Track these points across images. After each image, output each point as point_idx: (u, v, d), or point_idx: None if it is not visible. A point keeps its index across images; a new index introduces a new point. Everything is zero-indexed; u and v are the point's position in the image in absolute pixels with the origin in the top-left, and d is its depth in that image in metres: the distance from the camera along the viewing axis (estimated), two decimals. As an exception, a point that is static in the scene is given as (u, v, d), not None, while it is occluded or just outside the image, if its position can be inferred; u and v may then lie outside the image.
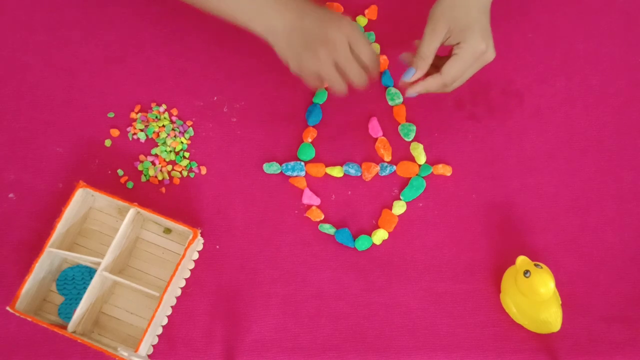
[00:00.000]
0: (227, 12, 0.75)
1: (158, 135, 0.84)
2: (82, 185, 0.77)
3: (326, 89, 0.87)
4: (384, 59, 0.88)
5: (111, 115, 0.85)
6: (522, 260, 0.75)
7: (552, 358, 0.77)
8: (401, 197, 0.83)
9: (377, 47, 0.89)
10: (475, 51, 0.73)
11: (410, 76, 0.75)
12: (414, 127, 0.86)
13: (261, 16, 0.73)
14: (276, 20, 0.73)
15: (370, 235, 0.82)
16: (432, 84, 0.75)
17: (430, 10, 0.76)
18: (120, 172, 0.83)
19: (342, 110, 0.86)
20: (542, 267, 0.73)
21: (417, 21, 0.89)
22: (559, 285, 0.78)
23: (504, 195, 0.84)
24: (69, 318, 0.76)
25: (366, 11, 0.91)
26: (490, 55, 0.75)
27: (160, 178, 0.83)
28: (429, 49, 0.74)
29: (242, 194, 0.83)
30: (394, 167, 0.84)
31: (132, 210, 0.76)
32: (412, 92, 0.76)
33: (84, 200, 0.78)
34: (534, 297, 0.73)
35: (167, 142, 0.84)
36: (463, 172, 0.84)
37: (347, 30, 0.71)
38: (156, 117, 0.85)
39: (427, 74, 0.76)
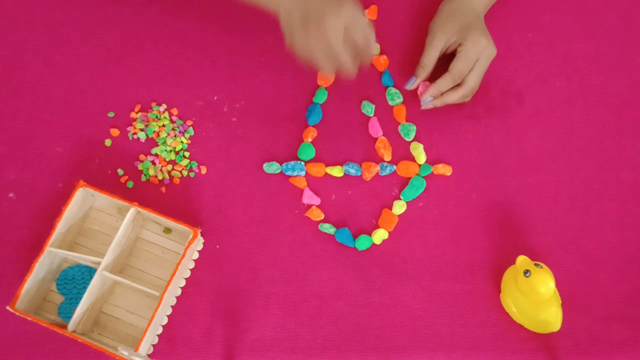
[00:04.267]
0: None
1: (158, 135, 0.84)
2: (82, 184, 0.77)
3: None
4: (384, 58, 0.88)
5: (111, 115, 0.85)
6: (522, 260, 0.75)
7: (552, 358, 0.77)
8: (401, 197, 0.83)
9: (377, 47, 0.89)
10: (477, 45, 0.78)
11: (411, 84, 0.83)
12: (414, 127, 0.86)
13: None
14: None
15: (370, 235, 0.81)
16: (443, 84, 0.80)
17: (429, 24, 0.83)
18: (120, 171, 0.83)
19: (342, 110, 0.86)
20: (542, 267, 0.73)
21: (417, 21, 0.90)
22: (559, 285, 0.78)
23: (504, 195, 0.84)
24: (69, 317, 0.76)
25: (366, 11, 0.91)
26: (492, 49, 0.80)
27: (160, 178, 0.83)
28: (428, 59, 0.81)
29: (242, 193, 0.83)
30: (394, 166, 0.84)
31: (132, 210, 0.76)
32: (426, 97, 0.81)
33: (84, 199, 0.78)
34: (534, 296, 0.73)
35: (167, 141, 0.84)
36: (463, 172, 0.84)
37: (345, 15, 0.69)
38: (156, 117, 0.85)
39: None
